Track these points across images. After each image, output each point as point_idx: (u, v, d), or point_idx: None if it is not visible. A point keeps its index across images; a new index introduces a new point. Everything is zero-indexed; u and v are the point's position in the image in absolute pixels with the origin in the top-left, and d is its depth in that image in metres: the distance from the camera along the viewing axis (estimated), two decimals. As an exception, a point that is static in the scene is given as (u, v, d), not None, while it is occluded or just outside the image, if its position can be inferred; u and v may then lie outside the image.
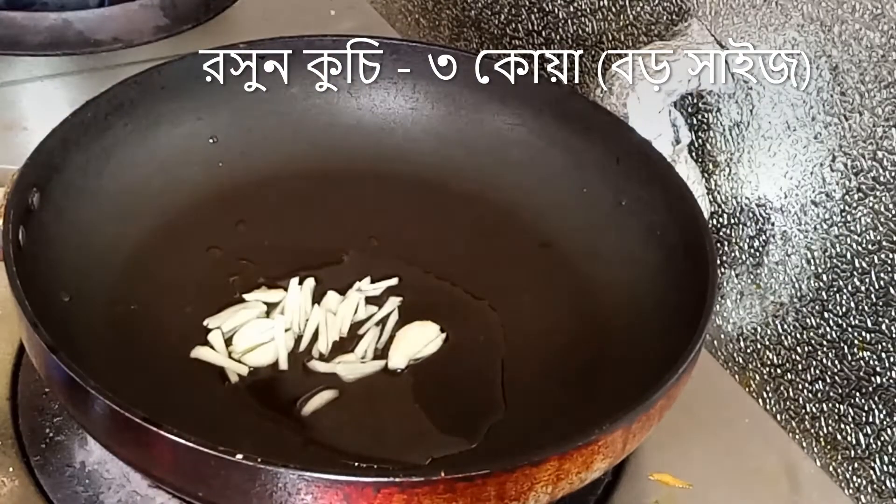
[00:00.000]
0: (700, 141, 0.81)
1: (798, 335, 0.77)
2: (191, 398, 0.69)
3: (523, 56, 0.98)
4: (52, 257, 0.69)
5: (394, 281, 0.77)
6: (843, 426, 0.74)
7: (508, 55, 0.84)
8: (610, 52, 0.88)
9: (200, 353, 0.71)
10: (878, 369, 0.71)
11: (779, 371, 0.79)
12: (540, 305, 0.77)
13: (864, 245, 0.71)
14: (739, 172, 0.79)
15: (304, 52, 0.84)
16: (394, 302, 0.76)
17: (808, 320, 0.76)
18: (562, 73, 0.94)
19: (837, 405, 0.74)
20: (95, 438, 0.63)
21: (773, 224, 0.77)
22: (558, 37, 0.94)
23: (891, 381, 0.70)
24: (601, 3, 0.88)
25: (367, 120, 0.86)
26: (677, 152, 0.77)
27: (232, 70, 0.83)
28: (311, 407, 0.69)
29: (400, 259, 0.79)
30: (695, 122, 0.81)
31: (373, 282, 0.77)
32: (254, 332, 0.72)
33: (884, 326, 0.70)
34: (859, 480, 0.74)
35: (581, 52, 0.91)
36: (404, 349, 0.73)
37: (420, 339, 0.73)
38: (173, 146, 0.81)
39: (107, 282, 0.73)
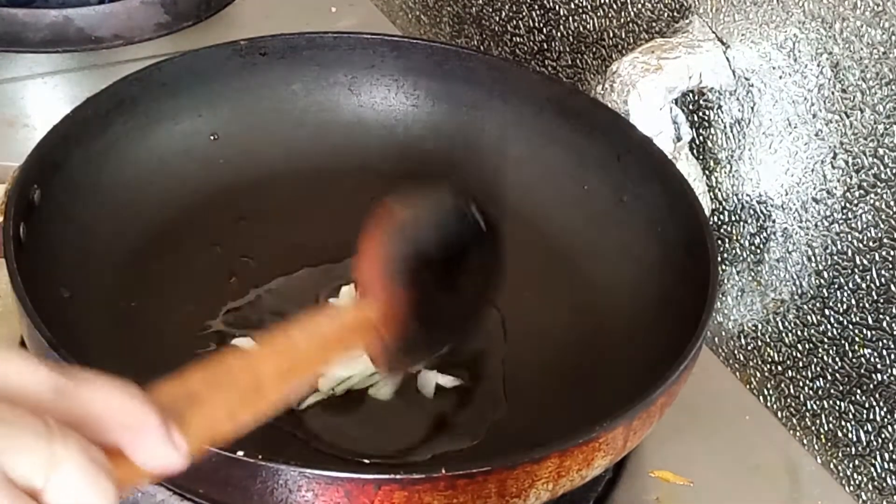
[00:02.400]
0: (701, 138, 0.81)
1: (799, 332, 0.77)
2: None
3: (524, 53, 0.98)
4: (53, 254, 0.69)
5: None
6: (843, 423, 0.74)
7: (509, 53, 0.84)
8: (611, 49, 0.88)
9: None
10: (878, 366, 0.71)
11: (779, 368, 0.79)
12: (540, 302, 0.77)
13: (865, 242, 0.71)
14: (740, 169, 0.79)
15: (305, 49, 0.84)
16: None
17: (808, 317, 0.76)
18: (562, 70, 0.94)
19: (838, 402, 0.74)
20: (96, 435, 0.63)
21: (774, 221, 0.77)
22: (559, 34, 0.94)
23: (892, 377, 0.70)
24: (602, 0, 0.88)
25: (368, 117, 0.86)
26: (678, 149, 0.77)
27: (233, 67, 0.83)
28: (312, 405, 0.69)
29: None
30: (696, 119, 0.81)
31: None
32: None
33: (885, 324, 0.70)
34: (860, 478, 0.74)
35: (582, 48, 0.91)
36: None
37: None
38: (174, 143, 0.81)
39: (107, 278, 0.73)
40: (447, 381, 0.71)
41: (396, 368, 0.62)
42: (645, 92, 0.75)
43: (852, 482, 0.74)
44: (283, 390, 0.49)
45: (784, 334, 0.78)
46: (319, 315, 0.55)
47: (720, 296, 0.82)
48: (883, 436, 0.72)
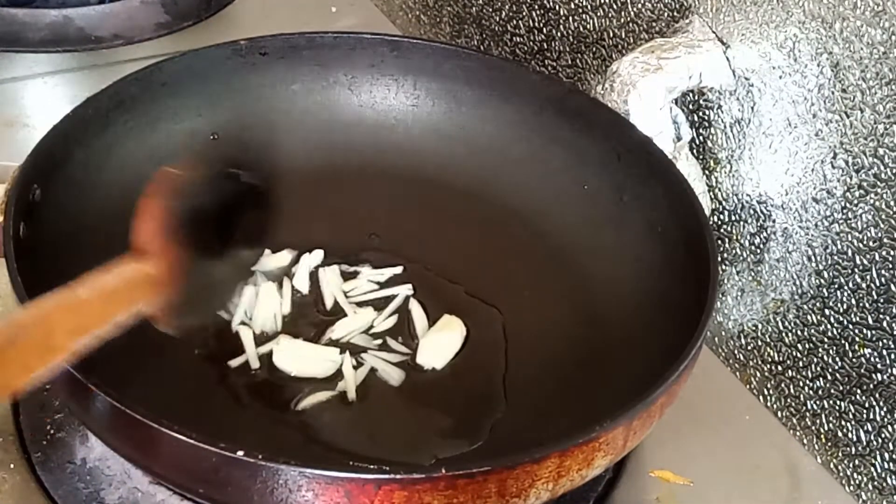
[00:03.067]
0: (701, 138, 0.81)
1: (799, 332, 0.77)
2: (192, 395, 0.69)
3: (524, 53, 0.98)
4: (53, 253, 0.69)
5: (399, 269, 0.77)
6: (843, 423, 0.74)
7: (509, 53, 0.84)
8: (611, 49, 0.88)
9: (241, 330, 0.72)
10: (878, 366, 0.71)
11: (779, 368, 0.79)
12: (541, 302, 0.77)
13: (865, 242, 0.71)
14: (740, 169, 0.79)
15: (305, 48, 0.84)
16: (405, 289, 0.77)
17: (808, 317, 0.76)
18: (562, 70, 0.94)
19: (838, 402, 0.74)
20: (96, 435, 0.63)
21: (774, 221, 0.77)
22: (559, 34, 0.94)
23: (892, 377, 0.70)
24: (602, 0, 0.88)
25: (368, 117, 0.86)
26: (678, 149, 0.77)
27: (233, 67, 0.83)
28: (314, 407, 0.69)
29: (401, 256, 0.79)
30: (696, 119, 0.81)
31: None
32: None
33: (885, 323, 0.70)
34: (860, 477, 0.74)
35: (582, 48, 0.91)
36: (437, 351, 0.73)
37: (451, 341, 0.73)
38: (174, 143, 0.81)
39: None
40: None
41: (177, 324, 0.65)
42: (645, 92, 0.75)
43: (852, 482, 0.74)
44: (73, 343, 0.54)
45: (784, 334, 0.78)
46: (103, 274, 0.59)
47: (720, 296, 0.82)
48: (883, 436, 0.72)
